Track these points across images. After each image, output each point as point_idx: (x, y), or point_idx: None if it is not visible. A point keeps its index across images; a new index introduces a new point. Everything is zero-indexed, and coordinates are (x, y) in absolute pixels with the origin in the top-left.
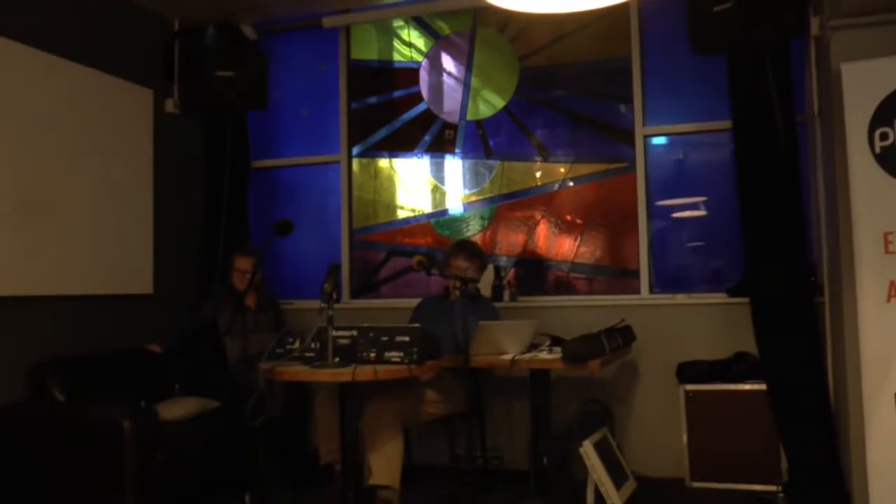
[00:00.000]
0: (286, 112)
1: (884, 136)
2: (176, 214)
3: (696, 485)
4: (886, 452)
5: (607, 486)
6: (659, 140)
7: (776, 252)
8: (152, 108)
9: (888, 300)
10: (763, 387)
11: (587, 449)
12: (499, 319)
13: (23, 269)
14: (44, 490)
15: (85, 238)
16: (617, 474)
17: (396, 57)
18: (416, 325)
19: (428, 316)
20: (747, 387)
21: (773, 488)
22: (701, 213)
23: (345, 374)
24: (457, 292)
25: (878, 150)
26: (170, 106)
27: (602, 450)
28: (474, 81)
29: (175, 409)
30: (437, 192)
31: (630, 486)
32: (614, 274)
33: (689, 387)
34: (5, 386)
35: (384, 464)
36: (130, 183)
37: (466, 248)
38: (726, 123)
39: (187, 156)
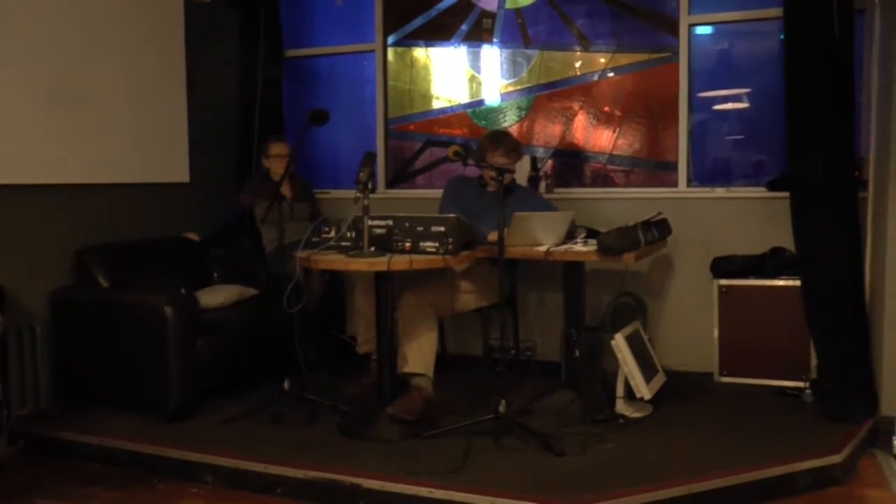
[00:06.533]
0: (320, 0)
1: None
2: (210, 104)
3: (725, 379)
4: None
5: (637, 379)
6: (704, 29)
7: (821, 145)
8: None
9: None
10: (797, 283)
11: (618, 341)
12: (545, 204)
13: (62, 158)
14: (95, 372)
15: (120, 127)
16: (647, 367)
17: None
18: (452, 215)
19: (464, 199)
20: (781, 283)
21: (800, 385)
22: (743, 105)
23: (380, 263)
24: (493, 183)
25: None
26: None
27: (633, 343)
28: None
29: (214, 296)
30: (474, 82)
31: (660, 379)
32: (652, 166)
33: (723, 281)
34: (52, 271)
35: (418, 352)
36: (163, 72)
37: (503, 142)
38: (776, 11)
39: (220, 45)
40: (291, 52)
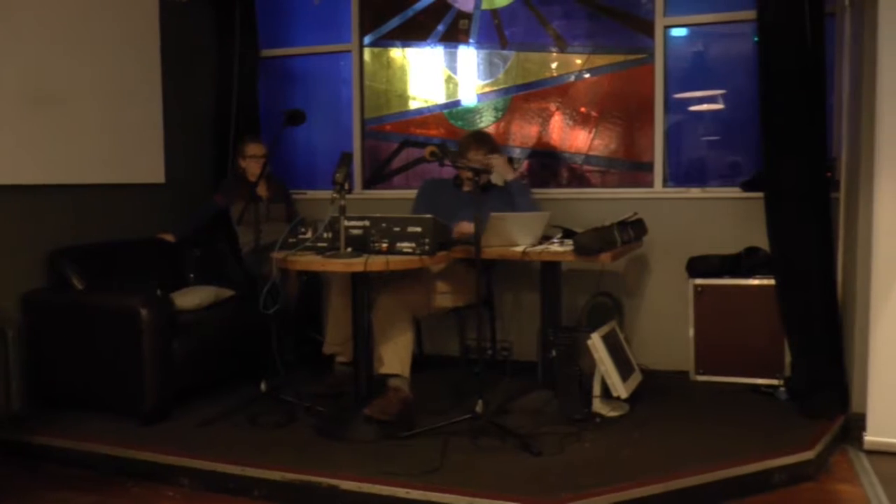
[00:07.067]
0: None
1: None
2: (186, 104)
3: (701, 378)
4: (889, 352)
5: (614, 378)
6: (679, 31)
7: (794, 146)
8: None
9: None
10: (772, 282)
11: (595, 341)
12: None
13: (35, 159)
14: (69, 375)
15: (95, 127)
16: (624, 367)
17: None
18: (429, 215)
19: (437, 201)
20: (756, 282)
21: (775, 382)
22: (718, 106)
23: (357, 264)
24: (469, 183)
25: None
26: None
27: (610, 342)
28: None
29: (190, 298)
30: (451, 83)
31: (636, 378)
32: (628, 167)
33: (699, 281)
34: (25, 274)
35: (394, 353)
36: (138, 72)
37: (487, 142)
38: (750, 13)
39: (196, 44)
40: (267, 52)
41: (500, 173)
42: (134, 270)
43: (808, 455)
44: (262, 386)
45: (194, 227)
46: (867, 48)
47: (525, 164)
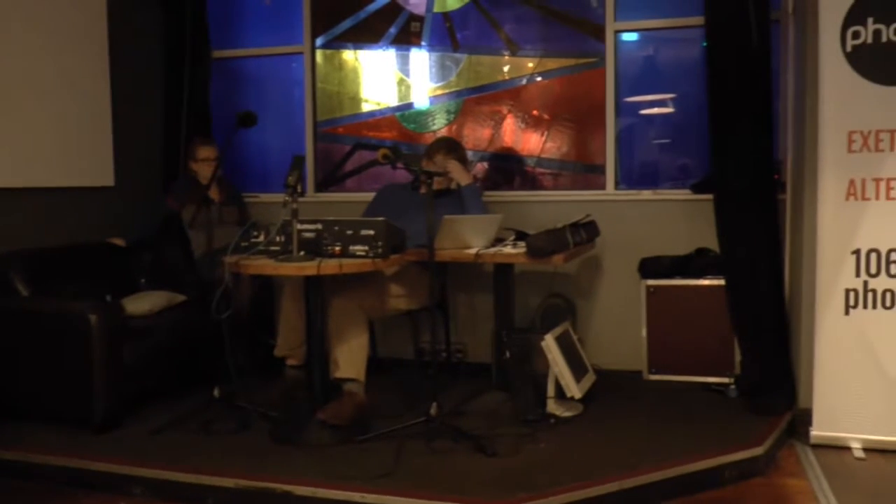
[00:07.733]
0: (247, 0)
1: (856, 35)
2: (135, 105)
3: (654, 377)
4: (833, 349)
5: (567, 379)
6: (629, 36)
7: (741, 148)
8: None
9: (847, 198)
10: (721, 282)
11: (549, 342)
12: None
13: None
14: (15, 384)
15: (40, 128)
16: (577, 367)
17: None
18: (381, 218)
19: (390, 204)
20: (706, 282)
21: (725, 381)
22: (668, 110)
23: (310, 267)
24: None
25: (849, 48)
26: None
27: (563, 343)
28: None
29: (141, 303)
30: (403, 86)
31: (590, 378)
32: (580, 169)
33: (651, 282)
34: None
35: (349, 357)
36: (85, 72)
37: (455, 148)
38: (699, 19)
39: (145, 44)
40: (219, 53)
41: (457, 178)
42: (82, 276)
43: (758, 451)
44: (216, 392)
45: (145, 231)
46: (809, 54)
47: (478, 166)
